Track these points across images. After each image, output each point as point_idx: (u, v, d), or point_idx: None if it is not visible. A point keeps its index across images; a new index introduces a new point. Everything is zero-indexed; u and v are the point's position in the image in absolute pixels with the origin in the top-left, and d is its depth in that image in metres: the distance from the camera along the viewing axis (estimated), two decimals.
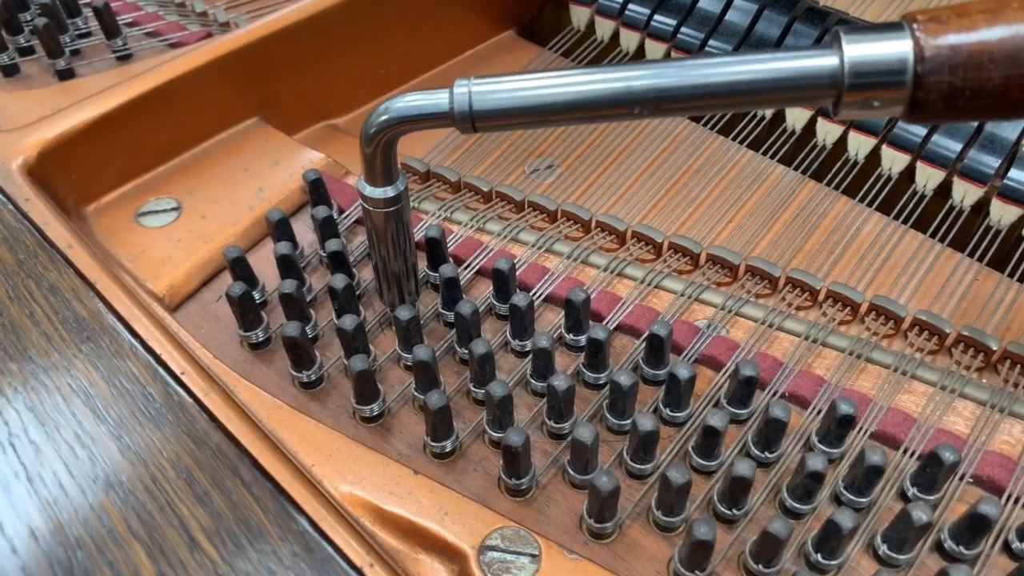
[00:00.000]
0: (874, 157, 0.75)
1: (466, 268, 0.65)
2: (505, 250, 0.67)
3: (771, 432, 0.52)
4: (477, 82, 0.44)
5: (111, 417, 0.43)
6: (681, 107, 0.42)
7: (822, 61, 0.40)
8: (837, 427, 0.52)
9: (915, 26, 0.39)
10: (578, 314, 0.58)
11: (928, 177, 0.72)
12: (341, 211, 0.70)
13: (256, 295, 0.63)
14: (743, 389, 0.54)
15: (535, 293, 0.63)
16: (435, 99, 0.46)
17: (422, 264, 0.65)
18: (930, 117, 0.40)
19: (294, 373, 0.57)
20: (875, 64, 0.39)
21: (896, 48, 0.39)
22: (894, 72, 0.39)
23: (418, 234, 0.67)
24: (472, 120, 0.44)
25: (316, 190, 0.66)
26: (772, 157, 0.77)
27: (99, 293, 0.51)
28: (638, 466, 0.52)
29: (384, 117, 0.47)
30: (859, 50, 0.39)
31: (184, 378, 0.48)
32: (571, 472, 0.52)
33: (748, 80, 0.41)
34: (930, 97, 0.38)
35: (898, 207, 0.71)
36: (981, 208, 0.70)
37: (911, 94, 0.39)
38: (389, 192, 0.51)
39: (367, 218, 0.54)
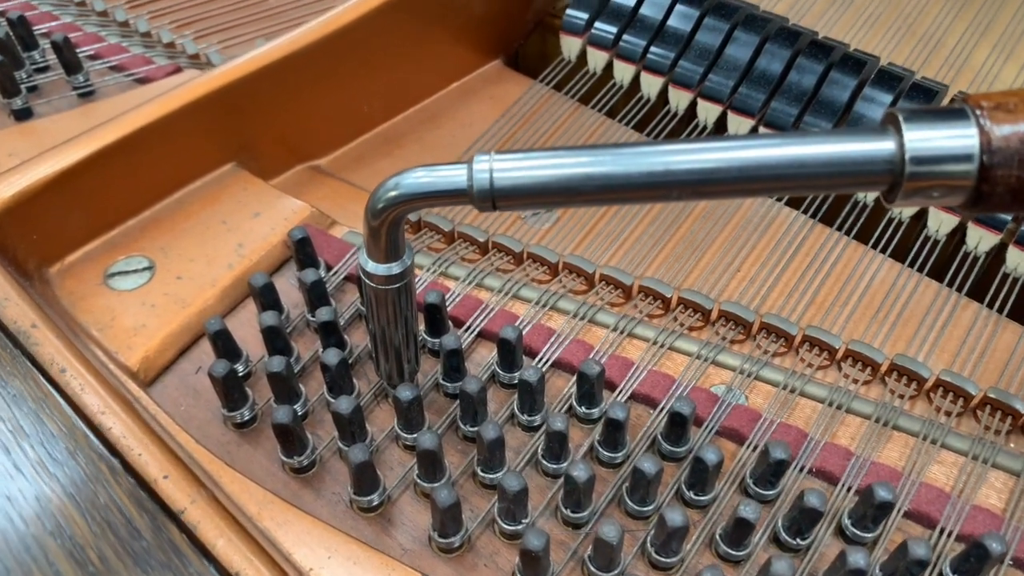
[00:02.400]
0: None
1: (466, 330, 0.61)
2: (506, 310, 0.63)
3: (805, 520, 0.48)
4: (499, 158, 0.40)
5: (92, 562, 0.38)
6: (725, 191, 0.39)
7: (878, 145, 0.37)
8: (874, 511, 0.49)
9: (979, 113, 0.35)
10: (591, 387, 0.54)
11: (941, 222, 0.70)
12: (328, 267, 0.65)
13: (239, 367, 0.58)
14: (773, 471, 0.50)
15: (542, 359, 0.59)
16: (451, 175, 0.41)
17: (420, 327, 0.61)
18: (994, 209, 0.36)
19: (284, 459, 0.53)
20: (938, 153, 0.36)
21: (960, 136, 0.35)
22: (958, 162, 0.36)
23: None
24: (493, 199, 0.40)
25: (302, 249, 0.61)
26: (777, 200, 0.74)
27: (65, 394, 0.45)
28: (665, 559, 0.49)
29: (393, 193, 0.43)
30: (920, 136, 0.36)
31: (166, 484, 0.43)
32: (592, 568, 0.48)
33: (797, 163, 0.37)
34: (996, 191, 0.35)
35: (911, 253, 0.68)
36: (996, 255, 0.68)
37: (975, 186, 0.36)
38: (394, 269, 0.47)
39: (366, 292, 0.49)
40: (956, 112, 0.37)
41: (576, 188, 0.39)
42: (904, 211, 0.71)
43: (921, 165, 0.36)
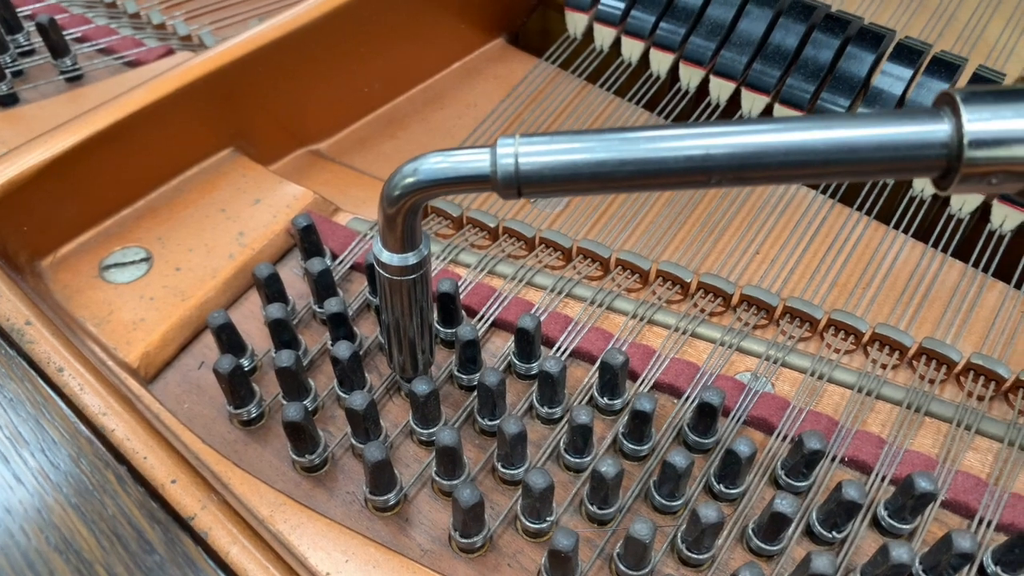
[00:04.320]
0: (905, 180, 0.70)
1: (479, 320, 0.59)
2: (521, 298, 0.60)
3: (841, 513, 0.46)
4: (525, 141, 0.37)
5: None
6: (767, 176, 0.36)
7: (933, 128, 0.34)
8: (914, 502, 0.47)
9: None
10: (615, 377, 0.52)
11: (964, 200, 0.68)
12: (333, 256, 0.63)
13: (245, 362, 0.55)
14: (807, 461, 0.48)
15: (560, 349, 0.57)
16: (473, 159, 0.39)
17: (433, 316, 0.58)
18: None
19: (295, 457, 0.50)
20: (1000, 136, 0.33)
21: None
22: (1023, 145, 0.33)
23: None
24: (518, 186, 0.38)
25: (307, 237, 0.59)
26: None
27: (64, 395, 0.42)
28: (696, 555, 0.47)
29: (411, 179, 0.40)
30: (980, 118, 0.34)
31: (174, 489, 0.41)
32: (622, 567, 0.46)
33: (844, 147, 0.35)
34: None
35: (935, 234, 0.66)
36: (1021, 233, 0.66)
37: None
38: (410, 259, 0.44)
39: (380, 282, 0.47)
40: (1015, 93, 0.34)
41: (608, 174, 0.37)
42: (926, 189, 0.69)
43: (980, 149, 0.34)
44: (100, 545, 0.36)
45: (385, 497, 0.48)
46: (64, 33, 0.77)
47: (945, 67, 0.70)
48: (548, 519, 0.47)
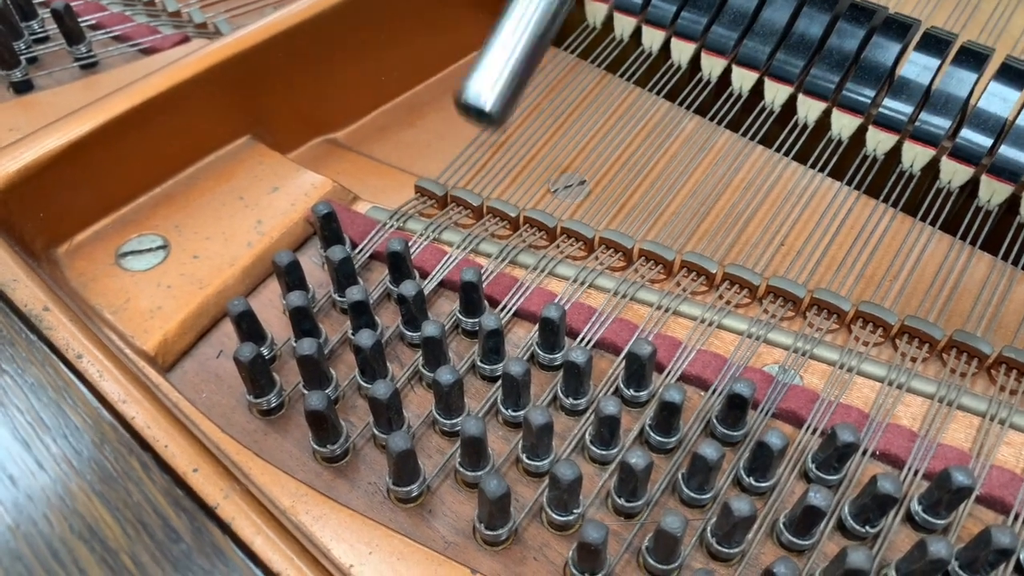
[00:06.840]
0: (932, 170, 0.69)
1: (501, 310, 0.58)
2: (543, 288, 0.59)
3: (875, 507, 0.45)
4: None
5: (127, 568, 0.34)
6: None
7: None
8: (950, 497, 0.46)
9: None
10: (642, 368, 0.51)
11: (994, 192, 0.66)
12: (353, 245, 0.62)
13: (265, 350, 0.54)
14: (839, 455, 0.47)
15: (584, 340, 0.56)
16: None
17: (454, 305, 0.57)
18: None
19: (316, 447, 0.50)
20: None
21: None
22: None
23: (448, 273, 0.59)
24: None
25: (328, 225, 0.58)
26: (820, 170, 0.71)
27: (86, 381, 0.42)
28: (727, 550, 0.46)
29: None
30: None
31: (196, 478, 0.40)
32: (651, 560, 0.45)
33: None
34: None
35: (963, 226, 0.65)
36: None
37: None
38: None
39: None
40: None
41: None
42: (953, 181, 0.68)
43: None
44: (125, 533, 0.35)
45: (408, 488, 0.48)
46: (79, 20, 0.76)
47: (973, 57, 0.69)
48: (575, 511, 0.47)
